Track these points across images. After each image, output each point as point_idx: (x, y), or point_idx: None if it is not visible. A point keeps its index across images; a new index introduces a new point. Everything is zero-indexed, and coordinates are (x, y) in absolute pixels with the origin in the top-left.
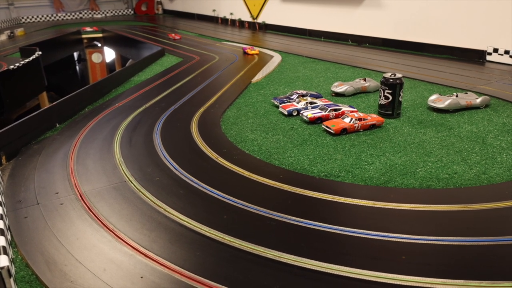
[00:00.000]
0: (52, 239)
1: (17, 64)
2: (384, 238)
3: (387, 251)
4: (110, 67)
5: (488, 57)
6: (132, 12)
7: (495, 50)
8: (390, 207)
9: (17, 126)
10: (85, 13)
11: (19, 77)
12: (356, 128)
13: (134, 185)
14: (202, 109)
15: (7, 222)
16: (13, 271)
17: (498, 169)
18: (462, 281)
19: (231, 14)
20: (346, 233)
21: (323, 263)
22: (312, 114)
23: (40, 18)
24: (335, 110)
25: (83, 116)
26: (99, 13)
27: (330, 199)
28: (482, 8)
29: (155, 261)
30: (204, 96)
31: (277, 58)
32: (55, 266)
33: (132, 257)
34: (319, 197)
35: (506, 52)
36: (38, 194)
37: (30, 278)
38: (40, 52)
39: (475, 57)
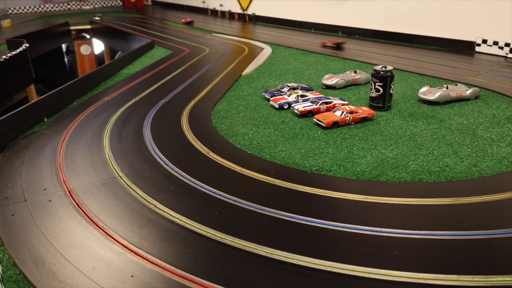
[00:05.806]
0: (40, 237)
1: (4, 57)
2: (376, 233)
3: (380, 246)
4: (99, 59)
5: (477, 48)
6: (121, 3)
7: (484, 41)
8: (382, 201)
9: (4, 120)
10: (73, 4)
11: (6, 69)
12: (347, 121)
13: (124, 181)
14: (192, 103)
15: None
16: None
17: (489, 162)
18: (455, 276)
19: (221, 5)
20: (338, 228)
21: (316, 260)
22: (303, 107)
23: (28, 9)
24: (326, 103)
25: (71, 110)
26: (87, 4)
27: (322, 194)
28: None
29: (145, 259)
30: (195, 89)
31: (267, 50)
32: (43, 265)
33: (122, 255)
34: (311, 192)
35: (495, 43)
36: (25, 190)
37: (18, 278)
38: (27, 44)
39: (465, 48)
